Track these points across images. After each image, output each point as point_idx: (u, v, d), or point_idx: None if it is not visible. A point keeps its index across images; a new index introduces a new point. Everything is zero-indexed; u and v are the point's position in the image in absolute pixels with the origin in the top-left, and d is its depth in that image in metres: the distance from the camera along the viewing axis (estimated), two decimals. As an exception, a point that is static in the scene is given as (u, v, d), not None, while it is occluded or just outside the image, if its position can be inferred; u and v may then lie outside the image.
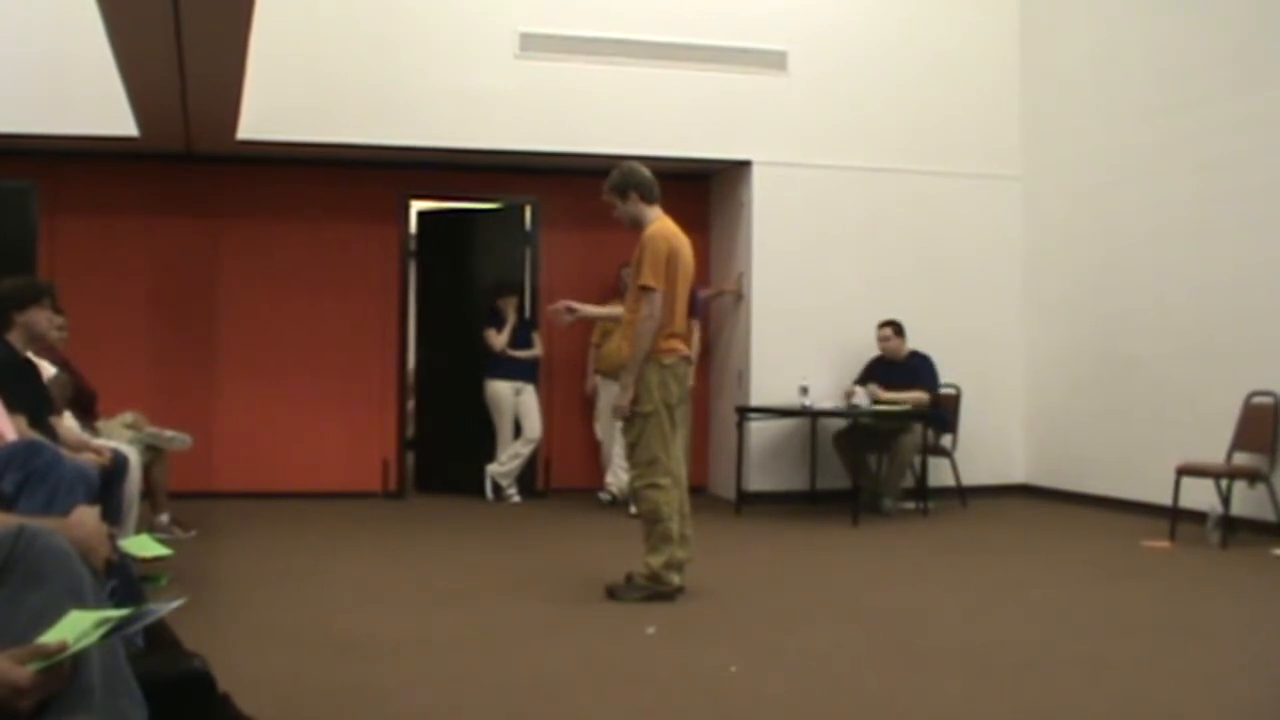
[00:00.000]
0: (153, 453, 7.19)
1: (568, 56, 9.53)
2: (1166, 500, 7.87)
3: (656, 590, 5.80)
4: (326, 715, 3.95)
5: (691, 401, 6.48)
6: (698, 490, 8.77)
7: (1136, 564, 7.16)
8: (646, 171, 6.08)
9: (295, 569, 6.67)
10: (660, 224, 6.00)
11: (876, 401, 9.13)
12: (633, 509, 9.19)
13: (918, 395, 9.25)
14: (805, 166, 9.95)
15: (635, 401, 5.86)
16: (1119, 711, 4.09)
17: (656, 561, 5.82)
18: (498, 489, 9.81)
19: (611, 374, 9.75)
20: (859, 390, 9.16)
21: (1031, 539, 8.33)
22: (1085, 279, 9.80)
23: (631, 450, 5.96)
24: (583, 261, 10.32)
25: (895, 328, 9.54)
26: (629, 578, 5.94)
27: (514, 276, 10.22)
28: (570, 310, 6.36)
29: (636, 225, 6.02)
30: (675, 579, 5.85)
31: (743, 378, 9.92)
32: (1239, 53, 8.40)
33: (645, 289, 5.83)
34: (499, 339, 9.78)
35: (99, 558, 2.85)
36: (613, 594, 5.86)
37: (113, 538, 3.13)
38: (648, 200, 6.05)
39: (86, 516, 2.96)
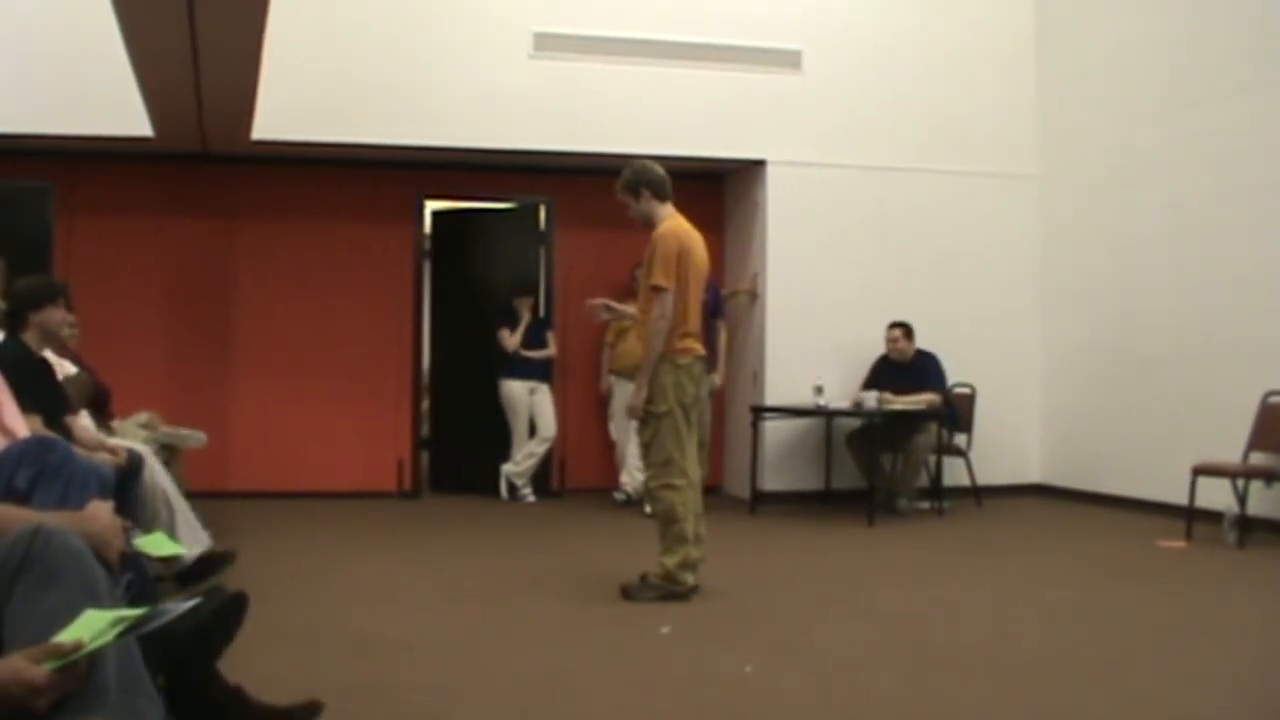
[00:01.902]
0: (168, 452, 7.20)
1: (582, 56, 9.53)
2: (1182, 500, 7.85)
3: (671, 590, 5.80)
4: (341, 714, 3.95)
5: (712, 401, 6.43)
6: (712, 490, 8.75)
7: (1152, 564, 7.14)
8: (659, 169, 6.07)
9: (310, 568, 6.69)
10: (671, 223, 5.98)
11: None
12: (647, 509, 9.23)
13: (927, 397, 9.23)
14: (820, 166, 9.94)
15: (649, 401, 5.85)
16: (1134, 711, 4.07)
17: (671, 562, 5.81)
18: (512, 489, 9.82)
19: (626, 374, 9.75)
20: (866, 396, 9.11)
21: (1047, 539, 8.30)
22: (1101, 278, 9.77)
23: (646, 450, 5.95)
24: (597, 261, 10.31)
25: (905, 330, 9.51)
26: (644, 577, 5.94)
27: (529, 276, 10.23)
28: (608, 309, 6.41)
29: (649, 223, 6.02)
30: (690, 579, 5.85)
31: (757, 377, 9.91)
32: (1255, 51, 8.36)
33: (656, 289, 5.82)
34: (512, 339, 9.78)
35: (113, 552, 2.86)
36: (627, 594, 5.86)
37: (127, 532, 3.14)
38: (660, 198, 6.04)
39: (101, 510, 2.97)
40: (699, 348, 6.01)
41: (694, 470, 5.96)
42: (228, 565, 5.84)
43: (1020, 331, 10.41)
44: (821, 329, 9.87)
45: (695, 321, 5.99)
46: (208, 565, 5.77)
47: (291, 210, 9.94)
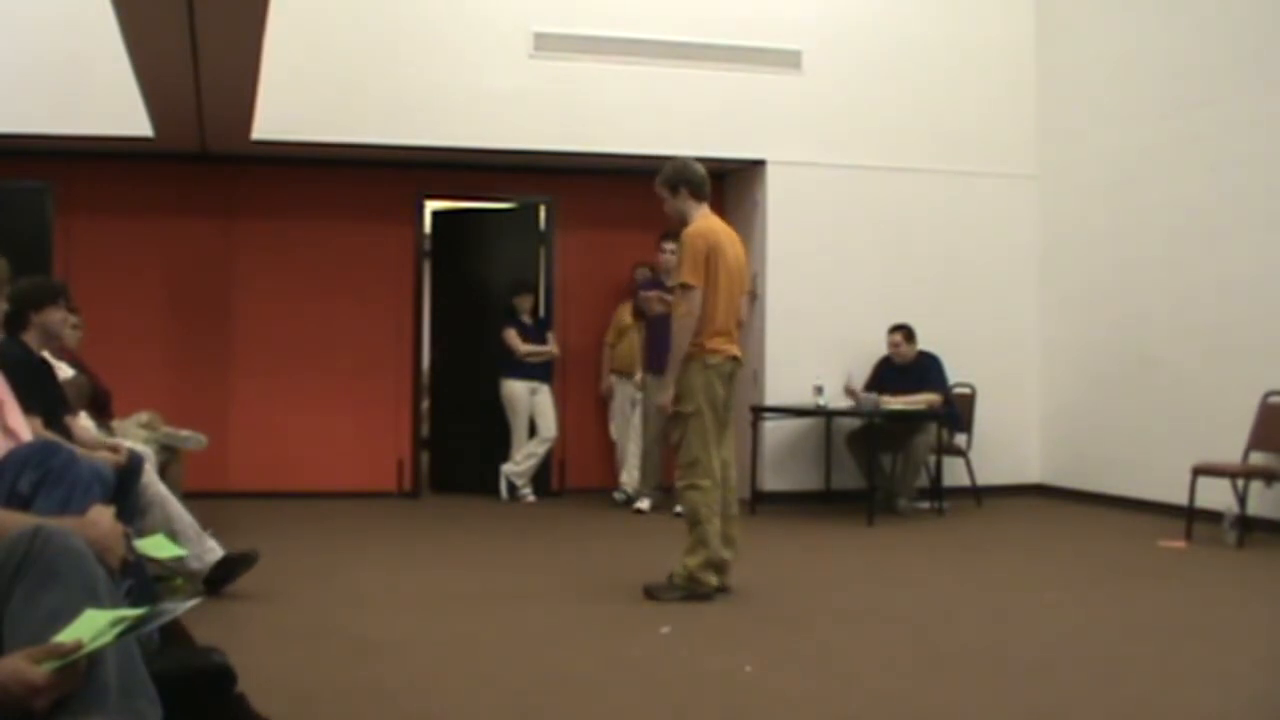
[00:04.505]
0: (168, 453, 7.19)
1: (582, 56, 9.52)
2: (1182, 500, 7.84)
3: (694, 591, 5.79)
4: (342, 715, 3.96)
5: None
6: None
7: (1152, 564, 7.14)
8: (700, 169, 6.07)
9: (310, 569, 6.68)
10: (702, 222, 5.98)
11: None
12: (636, 506, 9.27)
13: (927, 397, 9.22)
14: (820, 166, 9.93)
15: (678, 401, 5.86)
16: (1135, 711, 4.08)
17: (693, 562, 5.80)
18: (512, 489, 9.81)
19: (626, 374, 9.79)
20: (864, 397, 9.10)
21: (1047, 539, 8.30)
22: (1101, 278, 9.76)
23: (676, 450, 5.96)
24: (597, 260, 10.34)
25: (906, 333, 9.50)
26: (671, 578, 5.92)
27: (528, 276, 10.22)
28: (662, 300, 6.49)
29: (683, 221, 6.03)
30: (713, 580, 5.83)
31: (757, 377, 9.90)
32: (1256, 52, 8.36)
33: (683, 287, 5.83)
34: (523, 345, 9.73)
35: (114, 557, 2.86)
36: (651, 594, 5.85)
37: (128, 537, 3.14)
38: (698, 198, 6.05)
39: (102, 516, 2.96)
40: (731, 348, 5.98)
41: (727, 472, 5.99)
42: (249, 567, 5.80)
43: (1020, 332, 10.41)
44: (821, 329, 9.87)
45: (727, 322, 5.96)
46: (229, 568, 5.74)
47: (291, 210, 9.93)
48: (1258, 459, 7.83)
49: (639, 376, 9.51)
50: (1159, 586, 6.46)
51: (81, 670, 2.22)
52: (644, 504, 9.22)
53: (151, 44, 6.59)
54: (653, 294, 6.80)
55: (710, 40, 9.70)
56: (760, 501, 9.44)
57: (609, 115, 9.55)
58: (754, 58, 9.81)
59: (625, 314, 9.76)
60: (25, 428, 3.90)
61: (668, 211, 6.16)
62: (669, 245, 9.01)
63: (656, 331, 8.47)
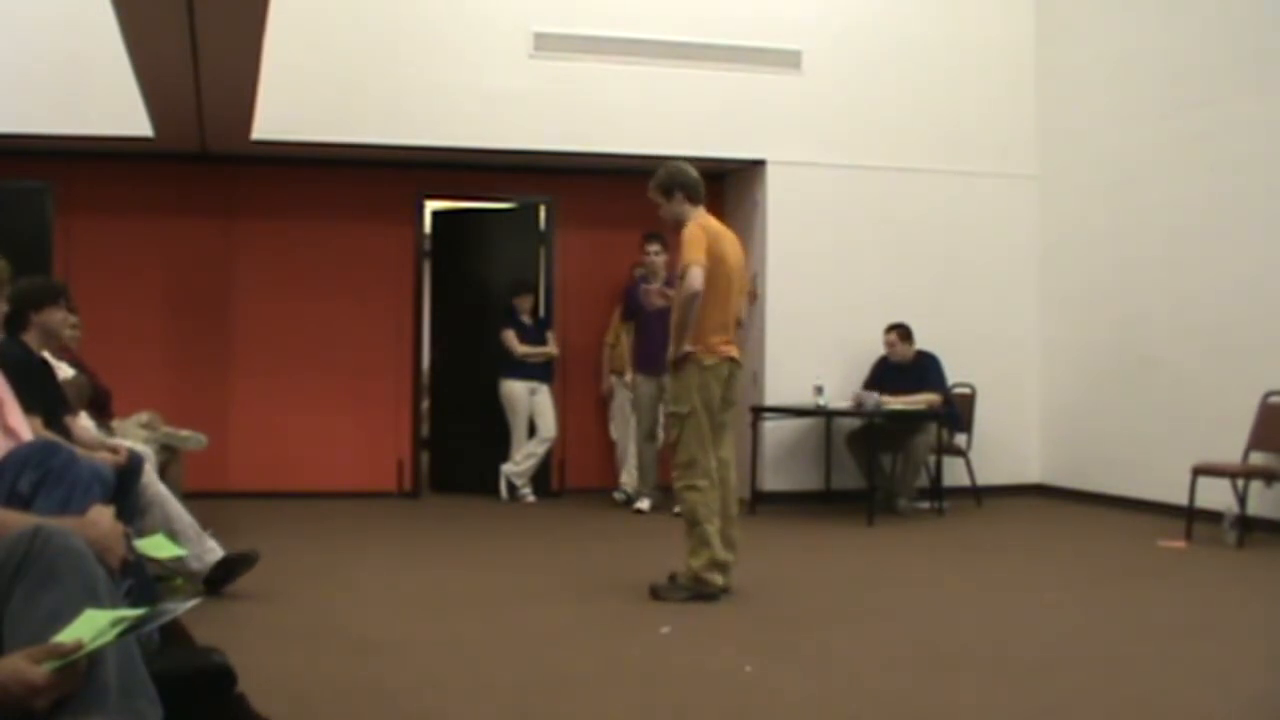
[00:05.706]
0: (168, 453, 7.19)
1: (582, 56, 9.52)
2: (1182, 500, 7.84)
3: (700, 592, 5.78)
4: (342, 715, 3.96)
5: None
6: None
7: (1152, 564, 7.14)
8: (693, 172, 6.08)
9: (310, 569, 6.68)
10: (700, 220, 5.98)
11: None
12: (636, 506, 9.27)
13: (927, 397, 9.22)
14: (820, 166, 9.93)
15: (675, 401, 5.86)
16: (1135, 711, 4.08)
17: (697, 563, 5.80)
18: (512, 489, 9.81)
19: (625, 374, 9.79)
20: (865, 395, 9.10)
21: (1047, 539, 8.31)
22: (1101, 278, 9.76)
23: (673, 450, 5.96)
24: (597, 260, 10.33)
25: (901, 332, 9.49)
26: (673, 577, 5.92)
27: (528, 276, 10.22)
28: (664, 296, 6.49)
29: (679, 224, 6.01)
30: (719, 579, 5.83)
31: (757, 378, 9.90)
32: (1256, 52, 8.36)
33: (685, 269, 5.78)
34: (520, 346, 9.73)
35: (114, 557, 2.86)
36: (656, 593, 5.84)
37: (128, 537, 3.13)
38: (693, 201, 6.04)
39: (102, 516, 2.96)
40: (729, 349, 5.96)
41: (726, 472, 5.99)
42: (249, 567, 5.80)
43: (1020, 331, 10.41)
44: (821, 329, 9.86)
45: (724, 321, 5.93)
46: (229, 568, 5.74)
47: (291, 210, 9.93)
48: (1258, 459, 7.84)
49: (629, 376, 9.53)
50: (1159, 586, 6.46)
51: (81, 670, 2.22)
52: (644, 504, 9.22)
53: (151, 44, 6.59)
54: (654, 288, 6.78)
55: (710, 40, 9.70)
56: (760, 501, 9.44)
57: (609, 115, 9.55)
58: (754, 58, 9.80)
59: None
60: (25, 428, 3.90)
61: (663, 216, 6.13)
62: (652, 247, 9.05)
63: (648, 332, 8.46)
